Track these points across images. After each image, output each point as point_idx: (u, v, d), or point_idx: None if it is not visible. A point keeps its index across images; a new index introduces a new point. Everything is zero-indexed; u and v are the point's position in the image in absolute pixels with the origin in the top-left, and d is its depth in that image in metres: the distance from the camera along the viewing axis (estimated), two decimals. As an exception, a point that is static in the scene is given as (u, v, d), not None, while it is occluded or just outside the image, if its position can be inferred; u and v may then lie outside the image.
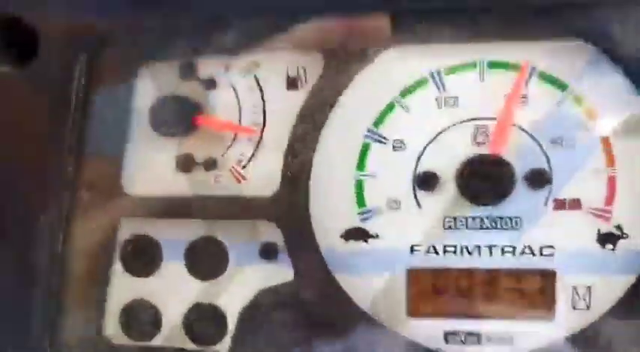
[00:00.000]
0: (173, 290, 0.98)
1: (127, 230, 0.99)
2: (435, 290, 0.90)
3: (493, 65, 0.87)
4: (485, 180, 0.85)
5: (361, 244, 0.92)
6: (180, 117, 0.95)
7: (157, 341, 0.99)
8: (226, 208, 0.95)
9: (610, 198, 0.85)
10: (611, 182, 0.85)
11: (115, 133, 0.98)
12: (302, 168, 0.92)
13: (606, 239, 0.86)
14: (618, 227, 0.85)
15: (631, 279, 0.85)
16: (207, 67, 0.96)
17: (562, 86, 0.86)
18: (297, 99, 0.92)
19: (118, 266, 0.99)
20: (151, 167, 0.98)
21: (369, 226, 0.92)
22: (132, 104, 0.98)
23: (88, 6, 0.90)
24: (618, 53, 0.83)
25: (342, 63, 0.89)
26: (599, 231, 0.86)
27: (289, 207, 0.92)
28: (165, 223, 0.98)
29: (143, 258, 0.99)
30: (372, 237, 0.92)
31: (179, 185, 0.97)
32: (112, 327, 1.00)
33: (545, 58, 0.86)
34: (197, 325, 0.98)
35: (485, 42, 0.86)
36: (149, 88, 0.97)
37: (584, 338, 0.86)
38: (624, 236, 0.85)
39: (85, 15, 0.90)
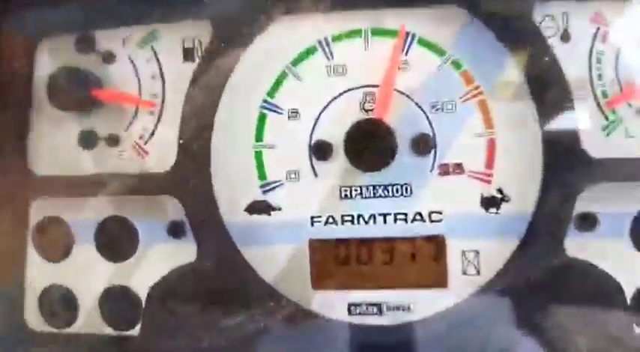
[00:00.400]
0: (86, 274, 1.08)
1: (37, 212, 1.10)
2: (337, 261, 1.01)
3: (376, 32, 0.99)
4: (368, 144, 0.96)
5: (264, 217, 1.03)
6: (77, 89, 1.04)
7: (75, 327, 1.09)
8: (131, 184, 1.04)
9: (490, 161, 0.97)
10: (491, 145, 0.97)
11: (16, 111, 1.10)
12: (200, 140, 1.02)
13: (489, 202, 0.97)
14: (499, 190, 0.96)
15: (516, 242, 0.97)
16: (105, 39, 1.07)
17: (440, 52, 0.97)
18: (193, 70, 1.03)
19: (32, 251, 1.10)
20: (55, 145, 1.08)
21: (271, 198, 1.03)
22: (31, 79, 1.09)
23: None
24: (490, 17, 0.96)
25: (232, 34, 1.01)
26: (481, 194, 0.97)
27: (190, 181, 1.02)
28: (74, 203, 1.08)
29: (55, 241, 1.09)
30: (274, 209, 1.03)
31: (84, 162, 1.08)
32: (31, 314, 1.10)
33: (423, 25, 0.97)
34: (112, 309, 1.08)
35: (368, 9, 0.98)
36: (47, 62, 1.09)
37: (476, 302, 0.98)
38: (506, 199, 0.96)
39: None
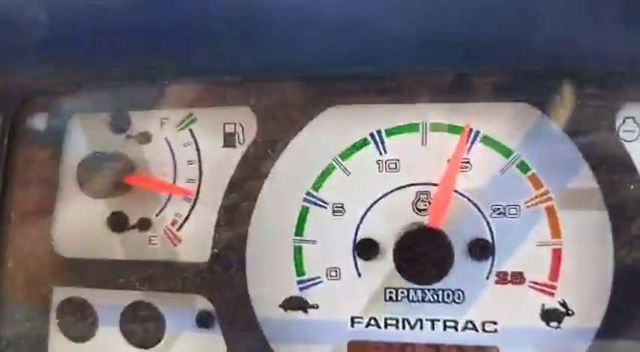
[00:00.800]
0: (110, 359, 0.99)
1: (61, 292, 1.04)
2: (377, 364, 0.91)
3: (435, 127, 0.92)
4: (420, 258, 0.87)
5: (300, 314, 0.96)
6: (109, 177, 0.98)
7: (95, 411, 0.99)
8: (160, 277, 0.99)
9: (555, 273, 0.90)
10: (557, 255, 0.89)
11: (43, 192, 1.04)
12: (236, 240, 0.97)
13: (550, 315, 0.90)
14: (563, 303, 0.89)
15: (579, 359, 0.86)
16: (141, 120, 1.01)
17: (506, 151, 0.90)
18: (234, 157, 0.97)
19: (54, 330, 1.04)
20: (82, 226, 1.03)
21: (309, 295, 0.96)
22: (60, 161, 1.03)
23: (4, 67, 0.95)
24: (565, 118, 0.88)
25: (278, 123, 0.95)
26: (543, 306, 0.90)
27: (222, 281, 0.97)
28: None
29: (79, 321, 1.04)
30: (311, 307, 0.96)
31: (112, 246, 1.02)
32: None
33: (487, 121, 0.90)
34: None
35: (428, 103, 0.91)
36: (79, 143, 1.03)
37: None
38: (570, 313, 0.89)
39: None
